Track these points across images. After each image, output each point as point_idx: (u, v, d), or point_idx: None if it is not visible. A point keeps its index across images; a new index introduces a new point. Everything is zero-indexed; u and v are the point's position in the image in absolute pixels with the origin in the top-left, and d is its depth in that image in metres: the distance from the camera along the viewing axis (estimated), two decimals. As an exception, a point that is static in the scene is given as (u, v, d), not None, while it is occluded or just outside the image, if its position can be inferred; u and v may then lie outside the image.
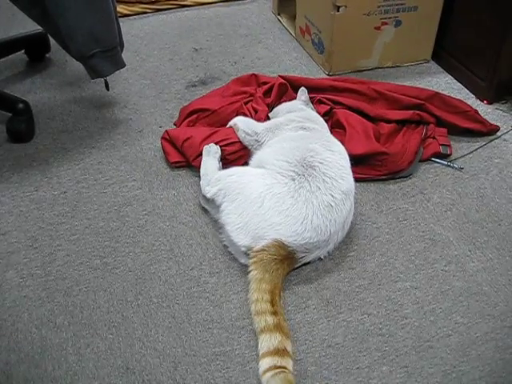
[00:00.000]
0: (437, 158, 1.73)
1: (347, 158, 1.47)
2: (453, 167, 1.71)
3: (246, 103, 1.78)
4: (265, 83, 1.86)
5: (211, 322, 1.28)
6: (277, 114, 1.69)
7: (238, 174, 1.44)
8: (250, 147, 1.59)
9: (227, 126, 1.67)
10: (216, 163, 1.55)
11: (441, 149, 1.72)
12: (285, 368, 1.14)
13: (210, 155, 1.57)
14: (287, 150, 1.44)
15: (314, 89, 1.83)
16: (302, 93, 1.72)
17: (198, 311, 1.30)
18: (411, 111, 1.76)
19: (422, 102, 1.80)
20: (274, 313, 1.23)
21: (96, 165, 1.69)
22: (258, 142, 1.57)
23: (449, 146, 1.74)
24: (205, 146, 1.59)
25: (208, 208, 1.52)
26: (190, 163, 1.64)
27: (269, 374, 1.13)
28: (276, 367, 1.14)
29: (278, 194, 1.35)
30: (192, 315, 1.30)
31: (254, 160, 1.53)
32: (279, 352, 1.16)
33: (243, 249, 1.35)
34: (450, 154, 1.73)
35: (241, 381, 1.18)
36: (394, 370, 1.20)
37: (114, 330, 1.26)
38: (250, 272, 1.30)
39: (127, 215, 1.53)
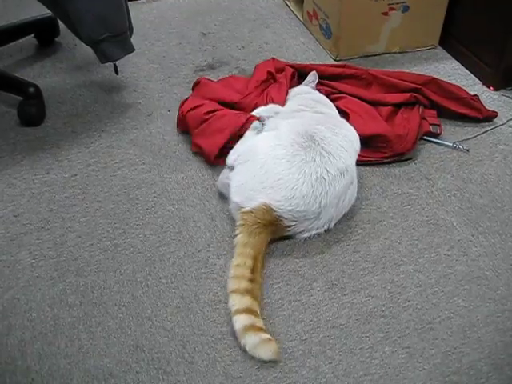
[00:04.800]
0: (431, 137, 1.76)
1: (353, 142, 1.50)
2: (458, 148, 1.73)
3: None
4: (281, 70, 1.85)
5: (219, 302, 1.31)
6: (288, 99, 1.71)
7: (255, 139, 1.51)
8: None
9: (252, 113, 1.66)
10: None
11: (431, 128, 1.75)
12: (262, 330, 1.20)
13: (255, 131, 1.59)
14: (292, 125, 1.49)
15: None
16: (312, 77, 1.75)
17: (206, 292, 1.34)
18: (408, 94, 1.78)
19: (419, 86, 1.82)
20: (251, 280, 1.27)
21: (106, 148, 1.72)
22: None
23: (439, 125, 1.77)
24: (253, 122, 1.60)
25: (225, 192, 1.51)
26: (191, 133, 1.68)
27: (254, 338, 1.18)
28: (257, 328, 1.20)
29: (276, 156, 1.40)
30: (200, 296, 1.33)
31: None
32: (252, 312, 1.22)
33: (233, 205, 1.40)
34: (440, 133, 1.76)
35: (247, 359, 1.21)
36: (396, 351, 1.24)
37: (124, 309, 1.30)
38: (235, 237, 1.35)
39: (137, 198, 1.56)
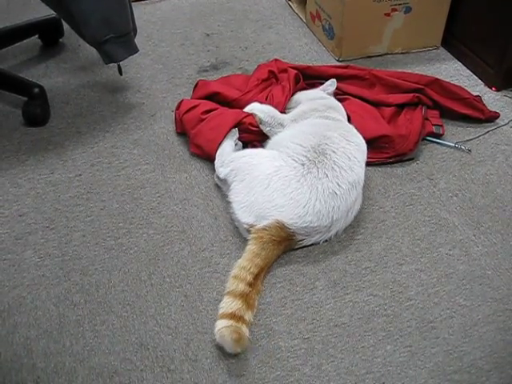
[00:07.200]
0: (433, 138, 1.76)
1: (364, 150, 1.52)
2: (460, 149, 1.73)
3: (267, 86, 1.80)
4: (284, 71, 1.85)
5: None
6: (298, 102, 1.71)
7: (249, 156, 1.49)
8: (269, 135, 1.62)
9: (244, 109, 1.67)
10: (232, 144, 1.59)
11: (434, 128, 1.76)
12: (237, 327, 1.20)
13: (229, 137, 1.60)
14: (304, 135, 1.49)
15: (318, 77, 1.85)
16: (330, 82, 1.75)
17: (210, 291, 1.35)
18: (411, 94, 1.79)
19: (422, 87, 1.83)
20: (250, 284, 1.27)
21: (110, 148, 1.73)
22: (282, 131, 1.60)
23: (441, 125, 1.78)
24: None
25: (220, 185, 1.57)
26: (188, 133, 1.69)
27: (223, 329, 1.19)
28: (234, 327, 1.19)
29: (284, 177, 1.39)
30: (203, 294, 1.34)
31: (270, 142, 1.57)
32: (235, 317, 1.21)
33: (245, 226, 1.40)
34: (443, 134, 1.77)
35: (250, 357, 1.22)
36: (397, 350, 1.24)
37: (128, 308, 1.31)
38: (248, 245, 1.35)
39: (141, 197, 1.57)
